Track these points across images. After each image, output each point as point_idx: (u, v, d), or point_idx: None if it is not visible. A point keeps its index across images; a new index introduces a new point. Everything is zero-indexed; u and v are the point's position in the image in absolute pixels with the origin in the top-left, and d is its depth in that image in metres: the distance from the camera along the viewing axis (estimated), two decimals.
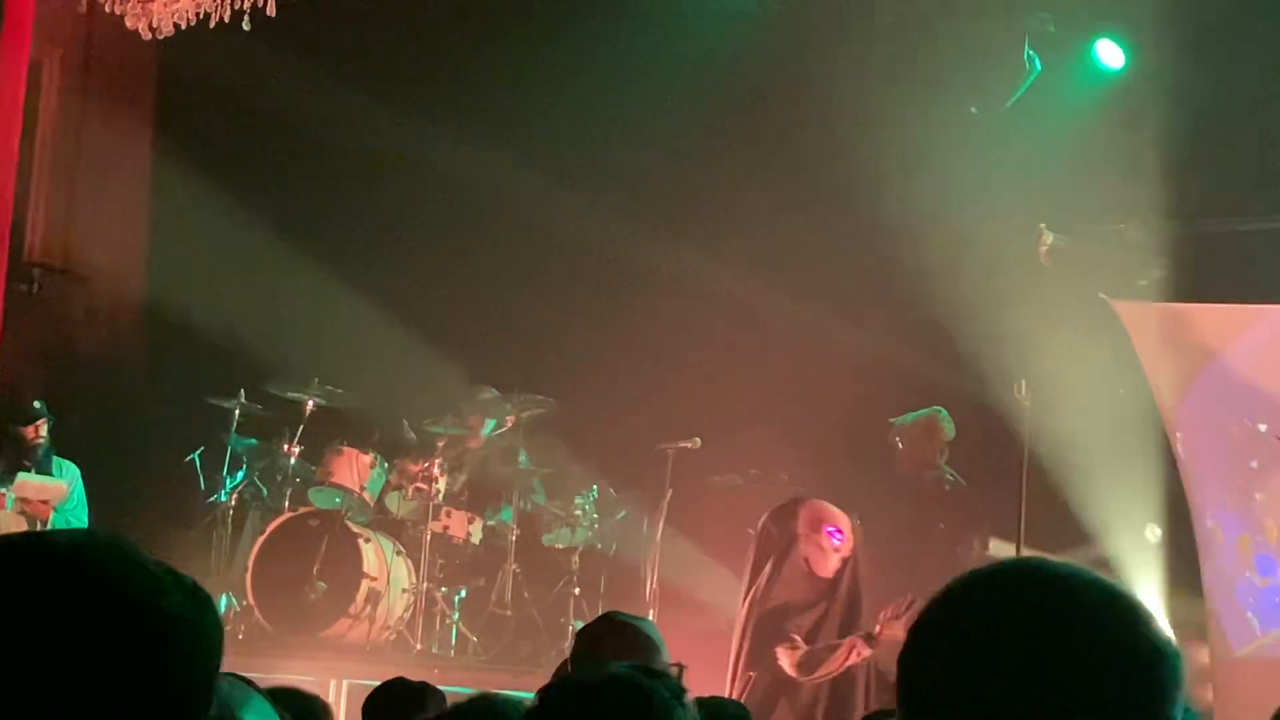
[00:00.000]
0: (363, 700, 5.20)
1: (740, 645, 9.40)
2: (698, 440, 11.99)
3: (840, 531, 9.19)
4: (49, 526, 10.41)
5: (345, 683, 10.41)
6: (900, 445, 11.33)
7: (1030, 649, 1.64)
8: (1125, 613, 1.69)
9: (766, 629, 9.25)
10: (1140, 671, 1.65)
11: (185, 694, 1.65)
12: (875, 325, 11.64)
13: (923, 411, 11.32)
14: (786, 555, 9.23)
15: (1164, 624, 1.70)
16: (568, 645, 5.38)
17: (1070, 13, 11.90)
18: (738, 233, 12.44)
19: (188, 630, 1.67)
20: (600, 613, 6.23)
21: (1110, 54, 11.98)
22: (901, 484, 11.56)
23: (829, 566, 9.15)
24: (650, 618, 5.54)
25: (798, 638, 9.09)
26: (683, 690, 2.63)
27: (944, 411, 11.37)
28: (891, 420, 11.34)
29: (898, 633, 8.96)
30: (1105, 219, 12.02)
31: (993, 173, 11.78)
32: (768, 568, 9.29)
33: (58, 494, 10.64)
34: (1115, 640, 1.66)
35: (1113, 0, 11.78)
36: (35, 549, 1.68)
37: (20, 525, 10.37)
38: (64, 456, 10.86)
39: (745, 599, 9.48)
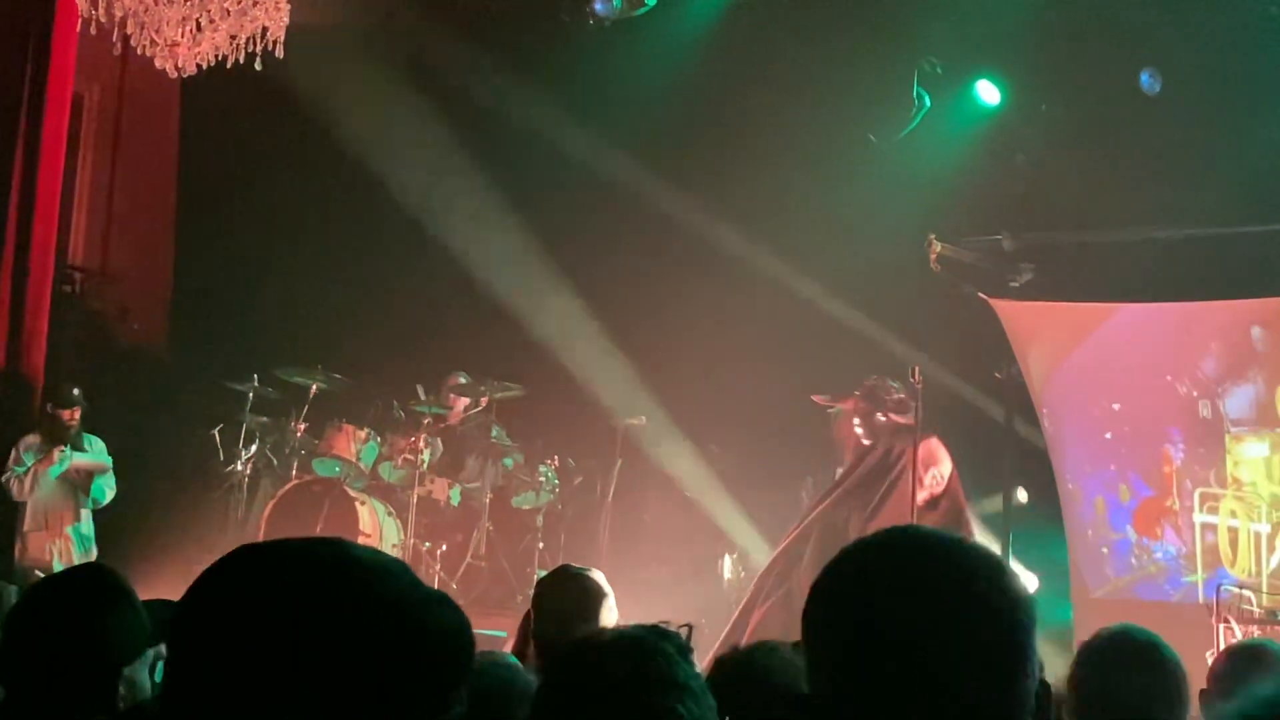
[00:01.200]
0: None
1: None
2: (643, 418, 12.18)
3: (942, 476, 9.45)
4: (90, 494, 10.46)
5: None
6: (837, 425, 11.48)
7: (910, 599, 1.63)
8: (987, 567, 1.67)
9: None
10: (1000, 613, 1.64)
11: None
12: (793, 320, 11.61)
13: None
14: (896, 481, 9.57)
15: (1021, 574, 1.72)
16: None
17: (955, 57, 11.89)
18: (677, 245, 12.44)
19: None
20: (559, 564, 6.12)
21: (988, 92, 12.05)
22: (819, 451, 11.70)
23: (919, 497, 9.35)
24: (601, 568, 5.56)
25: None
26: (689, 648, 2.47)
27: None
28: (828, 409, 11.23)
29: None
30: (984, 230, 12.01)
31: (891, 191, 11.80)
32: (883, 486, 9.58)
33: (101, 468, 10.56)
34: (980, 589, 1.64)
35: (991, 47, 11.76)
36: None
37: (66, 491, 10.40)
38: (101, 433, 10.73)
39: (839, 489, 9.75)
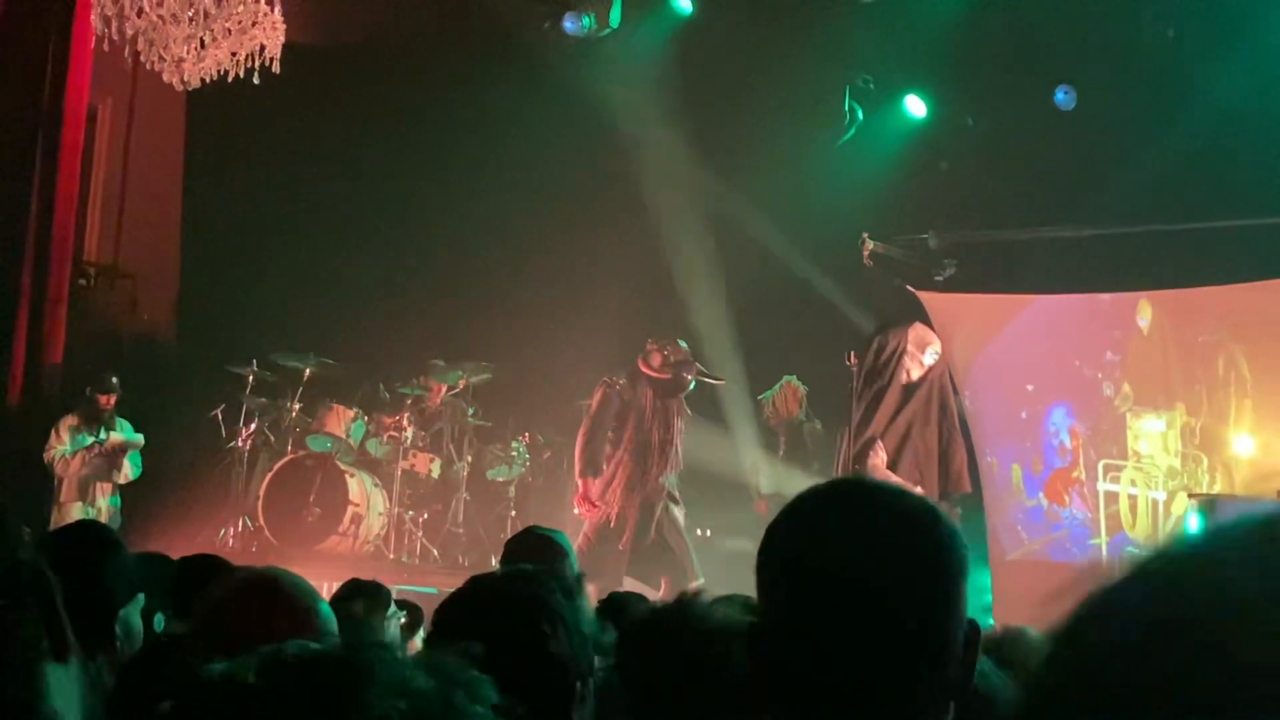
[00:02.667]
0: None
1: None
2: None
3: (937, 353, 9.46)
4: (125, 467, 10.68)
5: (335, 584, 10.36)
6: (771, 409, 11.48)
7: (852, 542, 1.62)
8: (923, 514, 1.65)
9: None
10: (936, 555, 1.61)
11: None
12: (740, 308, 11.59)
13: (778, 384, 11.44)
14: (894, 375, 9.55)
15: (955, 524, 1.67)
16: None
17: (885, 74, 12.00)
18: (638, 248, 12.37)
19: None
20: None
21: (916, 106, 12.15)
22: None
23: (913, 376, 9.42)
24: (566, 533, 5.40)
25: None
26: (574, 590, 2.46)
27: (794, 378, 11.49)
28: (759, 396, 11.42)
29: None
30: (912, 229, 12.07)
31: (829, 194, 11.85)
32: (876, 387, 9.54)
33: (136, 444, 10.78)
34: (915, 534, 1.62)
35: (918, 66, 11.87)
36: None
37: (99, 466, 10.61)
38: (120, 415, 10.90)
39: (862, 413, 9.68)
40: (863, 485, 1.81)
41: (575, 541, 9.63)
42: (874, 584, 1.59)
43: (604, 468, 10.11)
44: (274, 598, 2.47)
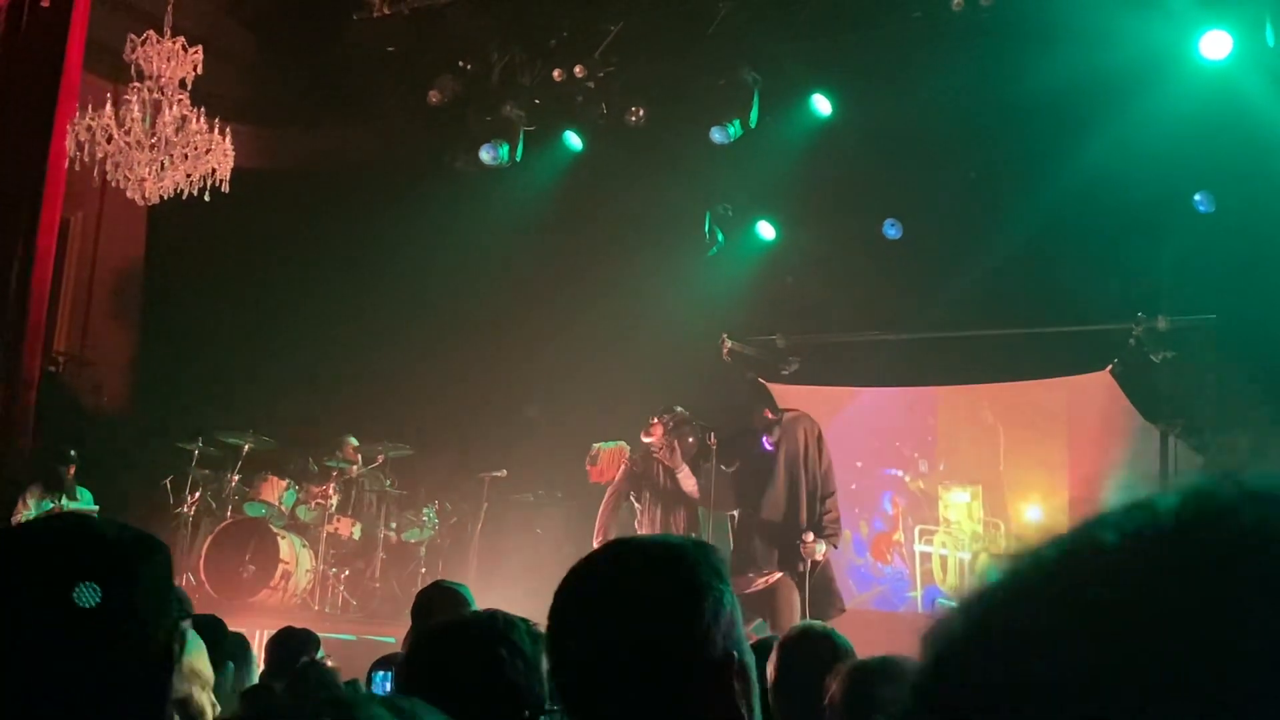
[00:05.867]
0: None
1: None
2: (504, 471, 12.22)
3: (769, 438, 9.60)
4: None
5: (266, 632, 10.16)
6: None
7: (617, 592, 1.60)
8: (679, 557, 1.62)
9: None
10: (684, 592, 1.58)
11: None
12: (616, 399, 11.41)
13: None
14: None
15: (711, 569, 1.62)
16: None
17: (741, 204, 12.27)
18: (534, 344, 12.51)
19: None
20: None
21: (766, 230, 12.44)
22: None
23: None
24: (469, 585, 5.23)
25: None
26: (538, 634, 2.31)
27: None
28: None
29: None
30: (763, 331, 12.38)
31: (695, 302, 12.11)
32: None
33: (92, 511, 10.43)
34: (668, 575, 1.60)
35: (768, 197, 12.15)
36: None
37: None
38: (81, 484, 10.78)
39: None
40: (628, 539, 1.75)
41: None
42: (617, 618, 1.57)
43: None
44: None
